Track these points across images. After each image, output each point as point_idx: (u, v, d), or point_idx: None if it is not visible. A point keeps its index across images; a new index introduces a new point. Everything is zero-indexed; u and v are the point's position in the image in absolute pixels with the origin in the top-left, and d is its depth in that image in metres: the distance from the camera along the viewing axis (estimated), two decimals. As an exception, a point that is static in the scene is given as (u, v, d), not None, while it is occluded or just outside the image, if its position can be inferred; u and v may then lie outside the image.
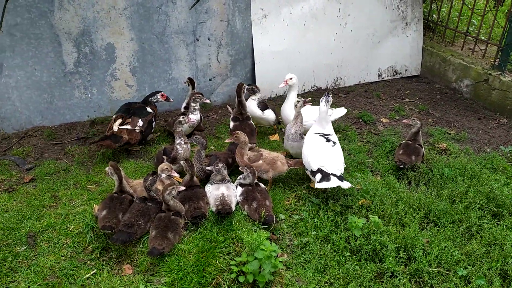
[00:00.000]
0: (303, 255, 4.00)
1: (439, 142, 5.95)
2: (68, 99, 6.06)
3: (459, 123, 6.61)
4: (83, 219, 4.24)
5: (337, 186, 4.44)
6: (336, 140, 4.91)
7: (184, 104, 6.02)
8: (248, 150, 5.01)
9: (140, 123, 5.51)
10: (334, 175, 4.44)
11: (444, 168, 5.27)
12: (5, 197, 4.55)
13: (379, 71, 7.94)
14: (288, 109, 5.71)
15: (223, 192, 4.44)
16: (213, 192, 4.48)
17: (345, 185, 4.41)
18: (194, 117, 5.52)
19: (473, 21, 8.71)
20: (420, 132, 5.53)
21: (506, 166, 5.33)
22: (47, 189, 4.71)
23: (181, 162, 4.62)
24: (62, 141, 5.79)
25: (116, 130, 5.36)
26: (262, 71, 7.00)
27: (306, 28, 7.09)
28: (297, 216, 4.46)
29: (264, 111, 5.85)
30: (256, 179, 4.63)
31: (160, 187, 4.34)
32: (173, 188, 4.12)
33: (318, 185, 4.40)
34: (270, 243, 3.86)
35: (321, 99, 4.90)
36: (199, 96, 5.50)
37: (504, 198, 4.62)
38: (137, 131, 5.45)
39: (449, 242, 4.17)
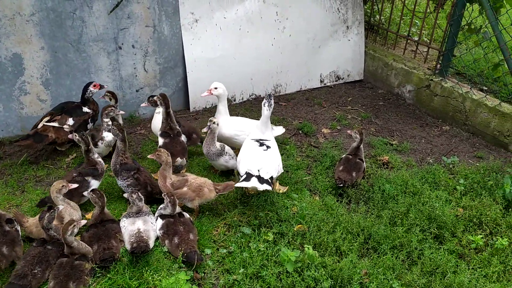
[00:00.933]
0: (230, 298, 3.54)
1: (381, 154, 5.66)
2: (-28, 117, 5.30)
3: (402, 132, 6.36)
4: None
5: (252, 187, 4.22)
6: (273, 145, 4.69)
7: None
8: (177, 171, 4.50)
9: (71, 121, 5.17)
10: (258, 177, 4.26)
11: (385, 185, 4.96)
12: None
13: (321, 76, 7.60)
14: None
15: (139, 227, 3.91)
16: (128, 227, 3.93)
17: (262, 187, 4.16)
18: (109, 134, 4.94)
19: (416, 22, 8.57)
20: (361, 146, 5.21)
21: (448, 180, 5.08)
22: None
23: (87, 194, 4.02)
24: (-40, 167, 5.04)
25: (40, 127, 5.02)
26: (195, 80, 6.48)
27: (241, 33, 6.62)
28: (225, 250, 3.99)
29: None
30: (178, 209, 4.12)
31: (59, 221, 3.77)
32: (75, 226, 3.55)
33: (237, 184, 4.25)
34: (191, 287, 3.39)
35: (263, 103, 4.65)
36: (112, 109, 4.90)
37: (445, 218, 4.35)
38: (65, 129, 5.11)
39: (389, 272, 3.83)
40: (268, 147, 4.63)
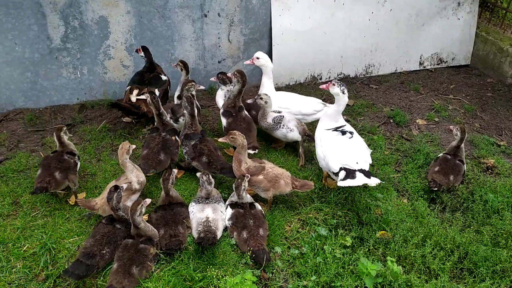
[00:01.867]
0: (298, 306, 3.21)
1: (485, 156, 4.91)
2: (55, 79, 5.33)
3: (512, 131, 5.50)
4: (41, 236, 3.57)
5: (363, 184, 3.73)
6: (352, 129, 4.22)
7: (176, 93, 5.13)
8: (249, 155, 4.17)
9: (157, 93, 4.93)
10: (361, 171, 3.78)
11: (488, 194, 4.28)
12: (-41, 198, 3.93)
13: (420, 58, 6.79)
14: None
15: (208, 215, 3.66)
16: (197, 214, 3.70)
17: (373, 181, 3.71)
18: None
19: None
20: (462, 145, 4.53)
21: None
22: (9, 192, 4.04)
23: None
24: (45, 128, 5.11)
25: (134, 101, 4.88)
26: (280, 54, 6.03)
27: (336, 4, 6.01)
28: (297, 251, 3.62)
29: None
30: (249, 198, 3.81)
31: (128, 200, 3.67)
32: (142, 205, 3.38)
33: (341, 183, 3.73)
34: (257, 289, 3.10)
35: (341, 89, 4.11)
36: (192, 85, 4.60)
37: None
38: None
39: (487, 303, 3.27)
40: (351, 133, 4.15)
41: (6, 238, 3.56)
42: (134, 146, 3.89)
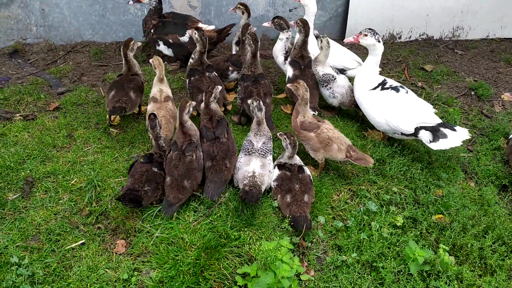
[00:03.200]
0: (334, 280, 3.04)
1: None
2: (122, 14, 5.28)
3: None
4: (90, 172, 3.64)
5: (456, 146, 3.59)
6: (397, 83, 3.96)
7: (235, 39, 4.88)
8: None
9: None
10: (442, 125, 3.62)
11: None
12: (20, 126, 4.08)
13: (519, 24, 5.96)
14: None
15: (254, 169, 3.50)
16: (243, 166, 3.55)
17: (463, 134, 3.59)
18: None
19: None
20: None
21: None
22: (66, 124, 4.14)
23: None
24: (108, 63, 5.14)
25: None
26: (358, 6, 5.54)
27: (428, -45, 5.34)
28: (341, 224, 3.41)
29: (287, 63, 4.45)
30: (298, 160, 3.60)
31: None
32: (190, 104, 3.54)
33: (435, 146, 3.59)
34: (293, 257, 2.96)
35: (376, 37, 3.81)
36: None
37: None
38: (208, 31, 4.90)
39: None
40: (401, 87, 3.91)
41: (57, 169, 3.67)
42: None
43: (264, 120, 3.65)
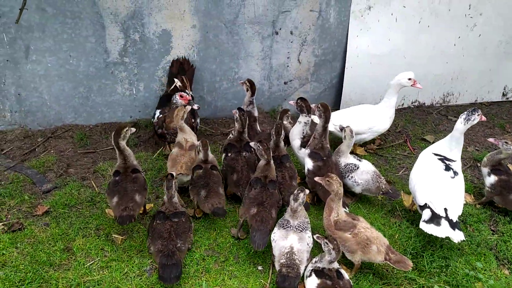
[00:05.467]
0: None
1: None
2: (109, 95, 4.85)
3: None
4: (98, 297, 3.10)
5: (445, 237, 3.42)
6: (459, 170, 3.83)
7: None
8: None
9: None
10: (447, 219, 3.45)
11: None
12: (6, 240, 3.47)
13: (504, 89, 6.10)
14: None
15: (292, 244, 3.23)
16: (279, 241, 3.27)
17: (457, 236, 3.39)
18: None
19: None
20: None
21: None
22: (60, 234, 3.57)
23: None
24: (96, 149, 4.65)
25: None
26: (352, 77, 5.43)
27: (421, 26, 5.36)
28: None
29: (303, 149, 4.21)
30: (336, 264, 3.26)
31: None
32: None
33: (423, 226, 3.46)
34: None
35: (462, 114, 3.88)
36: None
37: None
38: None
39: None
40: (455, 173, 3.75)
41: (58, 295, 3.11)
42: (189, 108, 4.19)
43: (301, 207, 3.38)
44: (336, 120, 4.61)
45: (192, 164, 3.94)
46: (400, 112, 5.81)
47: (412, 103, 5.89)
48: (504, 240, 3.99)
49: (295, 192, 3.36)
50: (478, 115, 3.88)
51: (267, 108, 5.48)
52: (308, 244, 3.31)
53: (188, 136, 4.14)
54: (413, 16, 5.27)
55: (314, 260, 3.33)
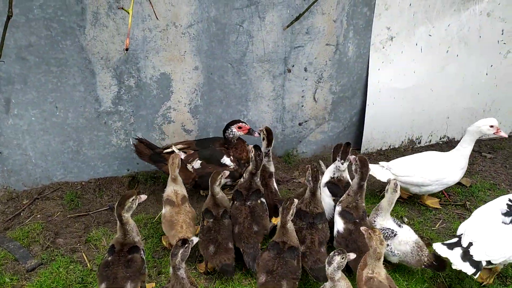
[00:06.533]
0: None
1: None
2: (102, 148, 4.30)
3: None
4: None
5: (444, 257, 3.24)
6: None
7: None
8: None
9: (198, 164, 4.07)
10: (463, 248, 3.23)
11: None
12: None
13: (541, 119, 5.51)
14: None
15: None
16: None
17: (466, 268, 3.13)
18: None
19: None
20: None
21: None
22: (45, 332, 2.99)
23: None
24: (88, 211, 4.08)
25: (169, 150, 4.12)
26: (374, 114, 4.87)
27: (448, 56, 4.81)
28: None
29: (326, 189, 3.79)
30: None
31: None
32: (222, 176, 3.55)
33: (437, 246, 3.28)
34: None
35: None
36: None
37: None
38: (189, 169, 4.09)
39: None
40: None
41: None
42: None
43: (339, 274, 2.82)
44: (398, 169, 4.11)
45: (191, 219, 3.54)
46: (426, 148, 5.23)
47: (440, 138, 5.30)
48: None
49: (331, 254, 2.78)
50: None
51: (280, 153, 4.91)
52: None
53: (179, 188, 3.67)
54: (439, 45, 4.72)
55: None
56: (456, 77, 4.93)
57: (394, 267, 3.62)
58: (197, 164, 4.05)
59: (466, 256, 3.20)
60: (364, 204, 3.54)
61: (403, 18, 4.53)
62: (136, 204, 3.11)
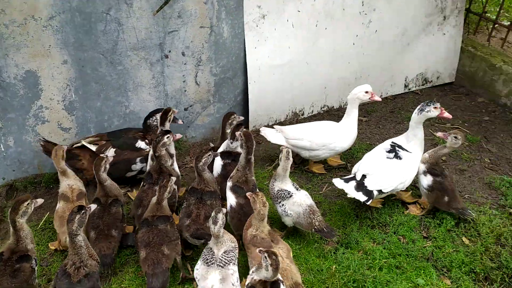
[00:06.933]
0: None
1: (514, 205, 4.26)
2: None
3: (526, 164, 4.91)
4: None
5: (340, 189, 3.81)
6: (408, 159, 3.99)
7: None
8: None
9: (112, 152, 4.00)
10: (359, 183, 3.75)
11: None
12: None
13: (405, 80, 6.07)
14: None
15: (213, 285, 2.87)
16: (201, 282, 2.92)
17: (359, 196, 3.65)
18: None
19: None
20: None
21: None
22: None
23: None
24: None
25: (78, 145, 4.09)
26: (257, 92, 5.02)
27: (318, 30, 5.08)
28: None
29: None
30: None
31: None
32: (106, 161, 3.56)
33: (335, 181, 3.81)
34: None
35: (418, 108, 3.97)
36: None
37: None
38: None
39: None
40: (398, 157, 3.97)
41: None
42: (65, 147, 3.67)
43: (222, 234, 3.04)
44: (288, 133, 4.41)
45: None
46: (310, 119, 5.53)
47: (321, 108, 5.63)
48: (438, 246, 3.85)
49: (213, 214, 2.97)
50: (435, 107, 3.91)
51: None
52: (233, 284, 2.93)
53: (73, 182, 3.58)
54: (308, 20, 4.96)
55: (252, 271, 2.93)
56: (327, 49, 5.24)
57: (288, 234, 3.83)
58: (111, 152, 3.97)
59: (360, 187, 3.73)
60: (253, 178, 3.71)
61: (271, -5, 4.69)
62: (32, 208, 3.00)
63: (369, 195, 3.71)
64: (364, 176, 3.82)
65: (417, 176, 4.10)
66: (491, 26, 6.13)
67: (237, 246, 3.16)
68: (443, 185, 3.94)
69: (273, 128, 4.55)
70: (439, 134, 4.02)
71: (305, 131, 4.43)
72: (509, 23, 6.02)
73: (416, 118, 4.00)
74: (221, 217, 2.96)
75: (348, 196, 3.76)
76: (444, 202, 3.95)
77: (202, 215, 3.43)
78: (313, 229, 3.53)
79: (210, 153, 3.51)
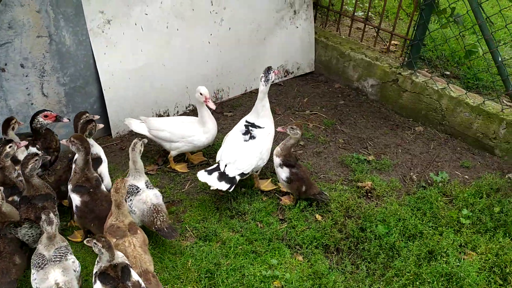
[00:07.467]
0: None
1: (361, 179, 4.66)
2: None
3: (374, 140, 5.39)
4: None
5: (203, 182, 4.03)
6: (260, 135, 4.27)
7: None
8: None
9: None
10: (222, 173, 3.98)
11: (378, 226, 4.01)
12: None
13: (267, 73, 6.34)
14: None
15: (57, 280, 2.87)
16: (41, 285, 2.87)
17: (215, 185, 3.89)
18: None
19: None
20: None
21: (448, 211, 4.23)
22: None
23: None
24: None
25: None
26: (115, 98, 4.96)
27: (170, 31, 5.13)
28: None
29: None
30: (121, 258, 2.97)
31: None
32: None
33: (198, 173, 4.06)
34: None
35: (260, 77, 4.26)
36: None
37: (469, 280, 3.47)
38: None
39: None
40: (252, 137, 4.24)
41: None
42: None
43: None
44: (151, 124, 4.55)
45: None
46: (176, 119, 5.58)
47: (186, 108, 5.70)
48: (292, 226, 4.09)
49: (44, 217, 2.97)
50: (273, 71, 4.27)
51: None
52: (75, 270, 3.01)
53: None
54: (158, 22, 5.00)
55: (96, 260, 2.93)
56: (183, 49, 5.32)
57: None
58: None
59: (222, 176, 3.95)
60: (95, 174, 3.68)
61: (115, 0, 4.64)
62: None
63: (232, 181, 3.94)
64: (226, 166, 4.04)
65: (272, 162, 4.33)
66: (338, 17, 6.64)
67: (68, 243, 3.14)
68: (299, 175, 4.18)
69: (139, 119, 4.71)
70: (279, 128, 4.23)
71: (167, 123, 4.58)
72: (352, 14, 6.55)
73: (265, 89, 4.26)
74: (53, 216, 2.97)
75: (212, 188, 3.93)
76: (303, 191, 4.20)
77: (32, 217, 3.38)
78: (154, 228, 3.59)
79: (37, 157, 3.40)
